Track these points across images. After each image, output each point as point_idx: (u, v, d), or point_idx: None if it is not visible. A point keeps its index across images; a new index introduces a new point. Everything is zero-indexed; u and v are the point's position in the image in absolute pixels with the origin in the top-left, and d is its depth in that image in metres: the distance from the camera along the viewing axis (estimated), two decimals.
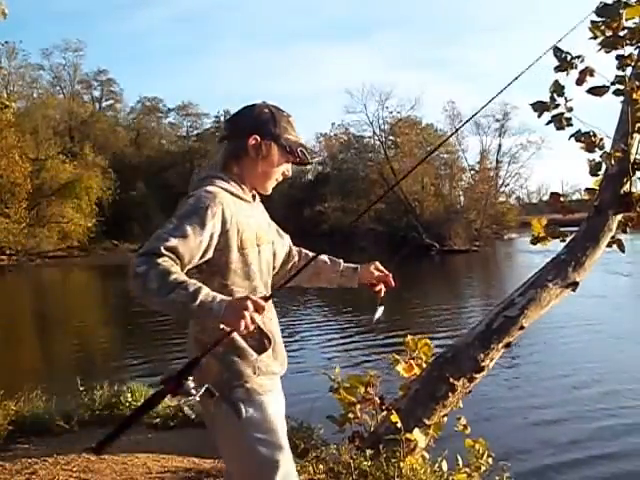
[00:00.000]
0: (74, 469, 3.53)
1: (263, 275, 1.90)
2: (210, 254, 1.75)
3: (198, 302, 1.57)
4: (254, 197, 1.94)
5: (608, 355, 9.45)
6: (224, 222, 1.74)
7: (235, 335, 1.69)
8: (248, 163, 1.88)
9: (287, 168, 1.95)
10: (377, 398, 3.71)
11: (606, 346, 10.13)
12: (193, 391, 1.61)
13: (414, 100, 45.93)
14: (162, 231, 1.68)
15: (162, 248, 1.63)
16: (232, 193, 1.82)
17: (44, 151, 42.64)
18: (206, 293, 1.59)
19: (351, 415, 3.66)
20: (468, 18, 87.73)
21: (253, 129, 1.87)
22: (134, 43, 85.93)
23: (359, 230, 40.06)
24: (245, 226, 1.81)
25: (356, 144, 47.21)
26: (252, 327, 1.59)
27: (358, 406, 3.66)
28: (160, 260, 1.61)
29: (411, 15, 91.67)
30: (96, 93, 58.01)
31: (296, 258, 2.17)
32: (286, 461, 1.83)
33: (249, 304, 1.56)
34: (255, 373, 1.81)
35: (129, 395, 4.70)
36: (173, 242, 1.64)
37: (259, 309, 1.58)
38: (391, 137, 46.55)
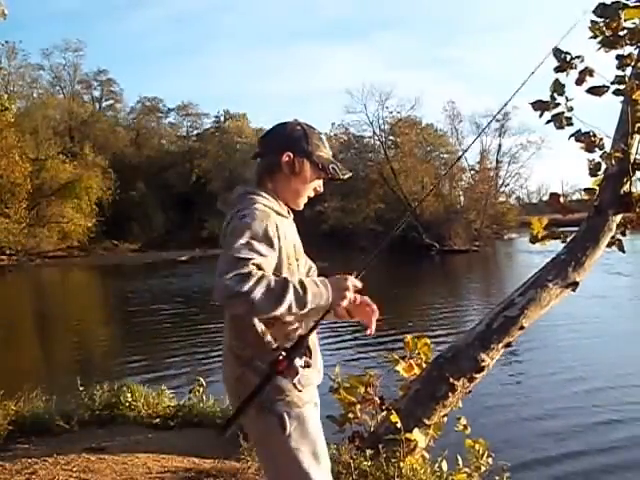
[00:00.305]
0: (74, 469, 3.53)
1: None
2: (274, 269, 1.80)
3: (309, 295, 1.70)
4: (289, 212, 1.99)
5: (608, 354, 9.45)
6: (278, 238, 1.81)
7: (267, 345, 1.80)
8: (282, 179, 1.94)
9: (319, 184, 2.00)
10: (377, 398, 3.71)
11: (606, 345, 10.14)
12: (301, 369, 1.77)
13: (414, 100, 45.97)
14: (239, 252, 1.70)
15: (251, 264, 1.68)
16: (273, 209, 1.88)
17: (44, 151, 42.66)
18: (309, 283, 1.73)
19: (351, 415, 3.66)
20: (468, 18, 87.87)
21: (286, 146, 1.93)
22: (134, 43, 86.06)
23: (359, 230, 40.11)
24: (288, 242, 1.88)
25: (356, 144, 47.19)
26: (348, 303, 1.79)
27: (358, 406, 3.66)
28: (257, 276, 1.66)
29: (411, 15, 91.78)
30: (96, 93, 58.12)
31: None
32: (324, 472, 1.87)
33: (349, 284, 1.78)
34: (296, 388, 1.84)
35: (129, 395, 4.70)
36: (258, 260, 1.70)
37: (356, 287, 1.79)
38: (391, 137, 46.52)
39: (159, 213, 50.57)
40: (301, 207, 2.01)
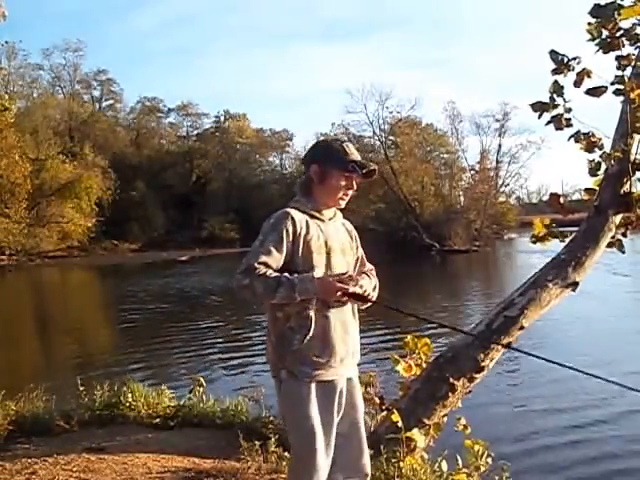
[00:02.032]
0: (74, 469, 3.53)
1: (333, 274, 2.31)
2: (289, 257, 2.26)
3: (298, 288, 2.16)
4: (334, 214, 2.43)
5: (608, 353, 9.45)
6: (294, 233, 2.26)
7: (285, 327, 2.26)
8: (316, 187, 2.39)
9: (349, 183, 2.39)
10: (377, 398, 3.71)
11: (606, 344, 10.14)
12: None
13: (414, 100, 45.97)
14: (253, 249, 2.25)
15: (256, 263, 2.19)
16: (306, 212, 2.33)
17: (44, 151, 42.61)
18: (300, 279, 2.17)
19: None
20: (468, 18, 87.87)
21: (312, 160, 2.42)
22: (134, 43, 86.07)
23: (359, 230, 39.86)
24: (315, 239, 2.29)
25: (356, 144, 47.08)
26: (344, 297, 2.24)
27: None
28: (257, 272, 2.18)
29: (411, 15, 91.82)
30: (96, 93, 58.13)
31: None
32: (319, 450, 2.21)
33: (334, 287, 2.20)
34: (293, 359, 2.24)
35: (129, 395, 4.69)
36: (263, 258, 2.21)
37: (342, 289, 2.20)
38: (391, 137, 46.49)
39: (159, 213, 50.55)
40: (342, 205, 2.43)
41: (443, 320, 13.39)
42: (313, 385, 2.24)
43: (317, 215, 2.35)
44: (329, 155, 2.37)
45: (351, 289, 2.23)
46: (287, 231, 2.24)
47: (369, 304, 2.37)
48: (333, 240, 2.35)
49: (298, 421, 2.25)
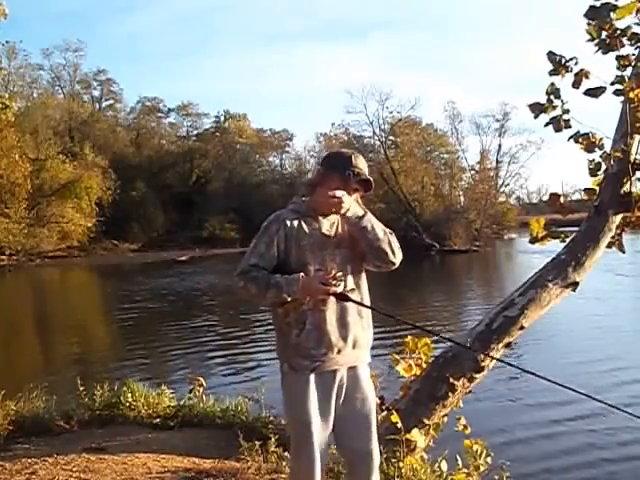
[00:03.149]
0: (74, 469, 3.53)
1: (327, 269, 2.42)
2: (282, 255, 2.41)
3: (285, 290, 2.32)
4: (326, 214, 2.46)
5: (609, 352, 9.45)
6: (285, 234, 2.40)
7: (284, 322, 2.41)
8: (317, 188, 2.49)
9: (343, 188, 2.42)
10: (377, 398, 3.70)
11: (608, 342, 10.14)
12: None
13: (414, 100, 46.01)
14: (247, 252, 2.45)
15: (248, 265, 2.40)
16: (298, 211, 2.46)
17: (44, 151, 42.57)
18: (286, 281, 2.32)
19: None
20: (468, 18, 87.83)
21: (320, 163, 2.61)
22: (134, 43, 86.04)
23: None
24: (305, 236, 2.40)
25: (356, 144, 47.07)
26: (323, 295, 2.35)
27: None
28: (250, 274, 2.37)
29: (411, 15, 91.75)
30: (96, 93, 58.02)
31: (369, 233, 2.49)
32: (313, 442, 2.34)
33: (316, 288, 2.32)
34: (293, 353, 2.39)
35: (129, 395, 4.69)
36: (254, 260, 2.40)
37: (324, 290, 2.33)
38: (391, 137, 46.50)
39: (159, 213, 50.50)
40: (334, 212, 2.44)
41: (443, 320, 13.41)
42: (312, 377, 2.37)
43: (311, 214, 2.46)
44: (334, 160, 2.52)
45: (332, 289, 2.33)
46: (277, 233, 2.40)
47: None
48: (327, 236, 2.44)
49: (295, 413, 2.40)
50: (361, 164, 2.47)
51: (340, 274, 2.37)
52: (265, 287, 2.33)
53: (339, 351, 2.39)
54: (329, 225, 2.47)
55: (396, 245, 2.46)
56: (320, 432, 2.37)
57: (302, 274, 2.33)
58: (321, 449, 2.38)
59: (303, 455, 2.38)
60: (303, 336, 2.36)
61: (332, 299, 2.37)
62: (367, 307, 2.47)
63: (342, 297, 2.39)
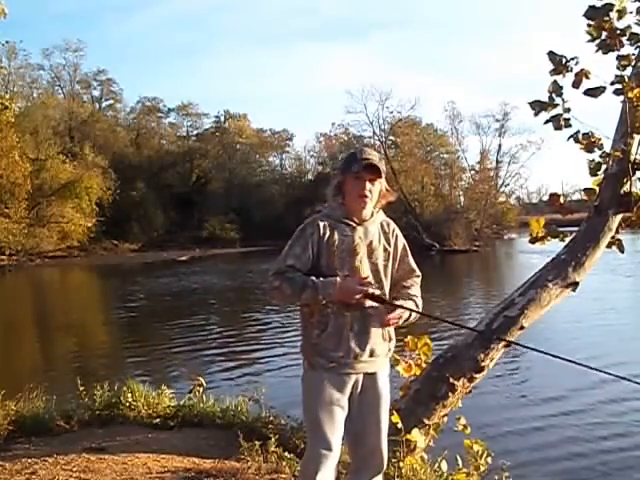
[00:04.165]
0: (74, 469, 3.53)
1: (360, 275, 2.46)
2: (315, 261, 2.45)
3: (321, 292, 2.36)
4: (372, 216, 2.54)
5: (609, 351, 9.45)
6: (318, 239, 2.45)
7: (308, 322, 2.47)
8: (343, 194, 2.53)
9: (358, 183, 2.48)
10: None
11: (608, 341, 10.14)
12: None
13: (414, 100, 46.03)
14: (283, 253, 2.47)
15: (285, 266, 2.42)
16: (332, 216, 2.51)
17: (44, 151, 42.56)
18: (322, 284, 2.36)
19: None
20: (468, 18, 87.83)
21: (338, 169, 2.62)
22: (134, 43, 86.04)
23: None
24: (338, 242, 2.45)
25: (356, 144, 47.16)
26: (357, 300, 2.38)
27: None
28: (286, 274, 2.40)
29: (411, 15, 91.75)
30: (96, 93, 58.03)
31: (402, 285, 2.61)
32: (323, 438, 2.39)
33: (354, 289, 2.36)
34: (312, 351, 2.46)
35: (129, 395, 4.69)
36: (291, 261, 2.43)
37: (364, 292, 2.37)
38: (391, 137, 46.54)
39: (159, 213, 50.49)
40: (366, 206, 2.49)
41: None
42: (327, 376, 2.43)
43: (345, 220, 2.51)
44: (346, 162, 2.56)
45: (370, 290, 2.39)
46: (312, 236, 2.46)
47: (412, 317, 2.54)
48: (361, 243, 2.50)
49: (308, 407, 2.48)
50: (368, 154, 2.50)
51: (371, 279, 2.43)
52: (301, 288, 2.37)
53: (356, 357, 2.44)
54: (362, 233, 2.52)
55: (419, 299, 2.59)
56: (330, 429, 2.42)
57: (338, 278, 2.37)
58: (332, 445, 2.41)
59: (312, 447, 2.45)
60: (323, 337, 2.43)
61: (368, 302, 2.40)
62: (399, 307, 2.47)
63: (378, 299, 2.43)
